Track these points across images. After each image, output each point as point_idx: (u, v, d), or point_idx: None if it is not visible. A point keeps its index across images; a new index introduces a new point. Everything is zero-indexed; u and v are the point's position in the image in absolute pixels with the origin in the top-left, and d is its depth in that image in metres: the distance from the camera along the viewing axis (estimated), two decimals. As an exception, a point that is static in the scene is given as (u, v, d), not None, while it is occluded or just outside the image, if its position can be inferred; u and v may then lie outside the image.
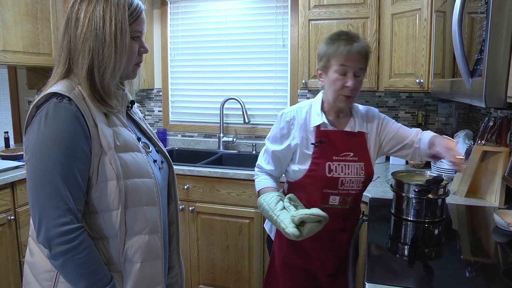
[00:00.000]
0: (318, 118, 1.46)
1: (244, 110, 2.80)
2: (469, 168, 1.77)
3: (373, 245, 1.30)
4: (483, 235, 1.44)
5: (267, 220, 1.48)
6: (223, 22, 2.94)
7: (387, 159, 2.54)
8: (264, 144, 1.60)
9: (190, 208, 2.43)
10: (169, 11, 3.04)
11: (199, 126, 3.10)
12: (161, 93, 3.14)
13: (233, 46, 2.94)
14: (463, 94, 1.34)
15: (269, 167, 1.54)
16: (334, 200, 1.47)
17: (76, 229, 0.94)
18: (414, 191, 1.48)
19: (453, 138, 2.26)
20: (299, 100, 2.78)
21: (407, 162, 2.44)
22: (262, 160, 1.57)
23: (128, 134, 1.07)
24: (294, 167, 1.49)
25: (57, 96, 0.95)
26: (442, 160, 1.39)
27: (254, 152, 2.88)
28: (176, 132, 3.16)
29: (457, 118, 2.50)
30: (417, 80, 2.08)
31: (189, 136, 3.14)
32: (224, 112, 2.95)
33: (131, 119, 1.17)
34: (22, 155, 2.27)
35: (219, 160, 2.84)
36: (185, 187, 2.42)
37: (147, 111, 3.20)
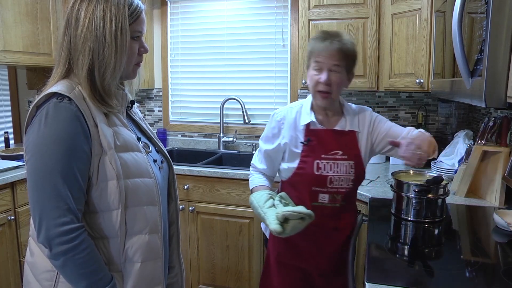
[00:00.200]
0: (307, 117, 1.49)
1: (244, 110, 2.80)
2: (469, 168, 1.77)
3: (373, 245, 1.30)
4: (483, 235, 1.44)
5: None
6: (223, 22, 2.94)
7: (387, 159, 2.54)
8: None
9: (190, 208, 2.43)
10: (169, 11, 3.04)
11: (199, 126, 3.10)
12: (161, 93, 3.14)
13: (233, 46, 2.94)
14: (463, 94, 1.34)
15: (262, 166, 1.58)
16: (324, 198, 1.47)
17: (77, 229, 0.94)
18: (414, 191, 1.48)
19: (453, 138, 2.26)
20: (299, 100, 2.78)
21: (407, 162, 2.44)
22: (256, 160, 1.61)
23: (128, 134, 1.07)
24: (284, 165, 1.52)
25: (57, 96, 0.96)
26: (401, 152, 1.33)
27: (254, 152, 2.87)
28: (176, 132, 3.16)
29: (457, 118, 2.50)
30: (417, 80, 2.08)
31: (189, 136, 3.14)
32: (224, 112, 2.95)
33: (131, 119, 1.18)
34: (22, 155, 2.27)
35: (219, 160, 2.84)
36: (185, 187, 2.42)
37: (147, 111, 3.20)
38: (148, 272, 1.08)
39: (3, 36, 2.32)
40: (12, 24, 2.37)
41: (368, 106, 2.64)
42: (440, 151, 2.22)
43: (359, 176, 1.50)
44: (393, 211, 1.59)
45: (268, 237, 1.64)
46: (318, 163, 1.45)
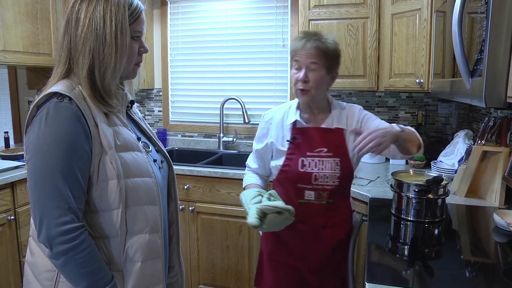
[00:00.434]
0: (292, 116, 1.53)
1: (244, 110, 2.80)
2: (469, 168, 1.77)
3: (373, 245, 1.30)
4: (483, 235, 1.44)
5: None
6: (223, 22, 2.94)
7: (387, 159, 2.54)
8: None
9: (190, 208, 2.43)
10: (169, 11, 3.04)
11: (199, 126, 3.10)
12: (161, 93, 3.14)
13: (233, 46, 2.94)
14: (463, 94, 1.34)
15: (254, 165, 1.65)
16: (310, 195, 1.49)
17: (77, 228, 0.94)
18: (414, 191, 1.48)
19: (453, 138, 2.26)
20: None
21: (407, 162, 2.44)
22: (250, 159, 1.69)
23: (128, 134, 1.07)
24: (273, 163, 1.57)
25: (58, 95, 0.96)
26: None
27: (254, 152, 2.88)
28: (176, 132, 3.16)
29: (457, 118, 2.50)
30: (417, 80, 2.08)
31: (189, 136, 3.14)
32: (224, 112, 2.95)
33: (131, 119, 1.18)
34: (22, 155, 2.27)
35: (219, 160, 2.84)
36: (185, 187, 2.42)
37: (147, 111, 3.20)
38: (149, 271, 1.08)
39: (3, 36, 2.32)
40: (12, 24, 2.37)
41: (368, 106, 2.62)
42: (440, 151, 2.22)
43: (346, 173, 1.50)
44: (393, 211, 1.59)
45: (261, 234, 1.67)
46: (303, 160, 1.48)
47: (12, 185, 2.11)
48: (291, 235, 1.53)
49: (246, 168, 1.70)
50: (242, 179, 2.28)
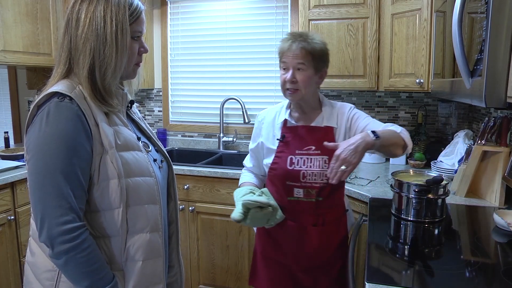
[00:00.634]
0: (282, 115, 1.57)
1: (244, 110, 2.80)
2: (469, 168, 1.77)
3: (373, 245, 1.30)
4: (483, 235, 1.44)
5: None
6: (223, 22, 2.94)
7: (387, 159, 2.54)
8: None
9: (190, 208, 2.43)
10: (169, 11, 3.04)
11: (199, 126, 3.10)
12: (161, 93, 3.14)
13: (233, 46, 2.94)
14: (463, 94, 1.34)
15: (249, 164, 1.71)
16: (299, 192, 1.51)
17: (78, 228, 0.94)
18: (414, 191, 1.48)
19: (453, 138, 2.26)
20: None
21: (407, 162, 2.44)
22: (247, 158, 1.74)
23: (129, 133, 1.08)
24: (264, 162, 1.60)
25: (59, 95, 0.96)
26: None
27: (254, 152, 2.88)
28: (176, 132, 3.16)
29: (457, 118, 2.50)
30: (417, 80, 2.08)
31: (189, 136, 3.14)
32: (224, 112, 2.95)
33: (131, 119, 1.18)
34: (22, 155, 2.27)
35: (219, 160, 2.84)
36: (185, 187, 2.42)
37: (147, 111, 3.20)
38: (149, 270, 1.08)
39: (3, 36, 2.32)
40: (12, 24, 2.37)
41: (368, 106, 2.62)
42: (440, 151, 2.22)
43: None
44: (393, 211, 1.59)
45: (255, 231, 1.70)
46: (291, 158, 1.50)
47: (12, 185, 2.11)
48: (282, 233, 1.56)
49: (243, 168, 1.75)
50: (241, 179, 2.31)
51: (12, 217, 2.10)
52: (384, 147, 1.33)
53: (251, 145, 1.67)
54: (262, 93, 2.93)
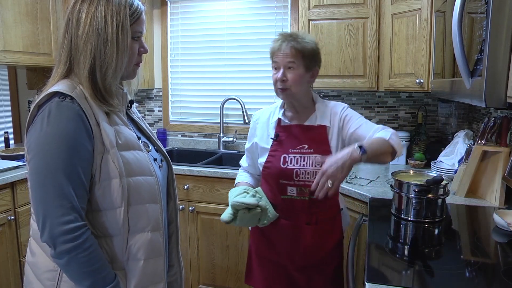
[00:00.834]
0: (276, 115, 1.59)
1: (244, 110, 2.80)
2: (469, 168, 1.77)
3: (373, 245, 1.30)
4: (483, 235, 1.44)
5: None
6: (223, 22, 2.94)
7: (387, 159, 2.54)
8: None
9: (190, 208, 2.43)
10: (169, 11, 3.04)
11: (199, 126, 3.10)
12: (161, 93, 3.14)
13: (233, 46, 2.94)
14: (463, 94, 1.34)
15: (245, 164, 1.73)
16: (292, 191, 1.52)
17: (80, 227, 0.94)
18: (414, 191, 1.48)
19: (453, 138, 2.26)
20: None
21: (407, 162, 2.44)
22: (243, 158, 1.76)
23: (129, 133, 1.08)
24: (259, 161, 1.61)
25: (59, 95, 0.96)
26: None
27: (254, 152, 2.88)
28: (176, 132, 3.16)
29: (457, 118, 2.50)
30: (417, 80, 2.08)
31: (189, 136, 3.14)
32: (224, 112, 2.95)
33: (130, 119, 1.18)
34: (22, 155, 2.27)
35: (219, 160, 2.84)
36: (185, 187, 2.42)
37: (147, 111, 3.20)
38: (151, 269, 1.08)
39: (3, 36, 2.32)
40: (12, 24, 2.37)
41: (368, 106, 2.62)
42: (440, 151, 2.22)
43: None
44: (393, 211, 1.59)
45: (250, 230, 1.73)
46: (285, 157, 1.51)
47: (12, 185, 2.11)
48: (275, 232, 1.57)
49: (240, 167, 1.76)
50: (242, 179, 2.31)
51: (12, 217, 2.10)
52: (371, 158, 1.33)
53: (247, 144, 1.70)
54: (262, 93, 2.93)
